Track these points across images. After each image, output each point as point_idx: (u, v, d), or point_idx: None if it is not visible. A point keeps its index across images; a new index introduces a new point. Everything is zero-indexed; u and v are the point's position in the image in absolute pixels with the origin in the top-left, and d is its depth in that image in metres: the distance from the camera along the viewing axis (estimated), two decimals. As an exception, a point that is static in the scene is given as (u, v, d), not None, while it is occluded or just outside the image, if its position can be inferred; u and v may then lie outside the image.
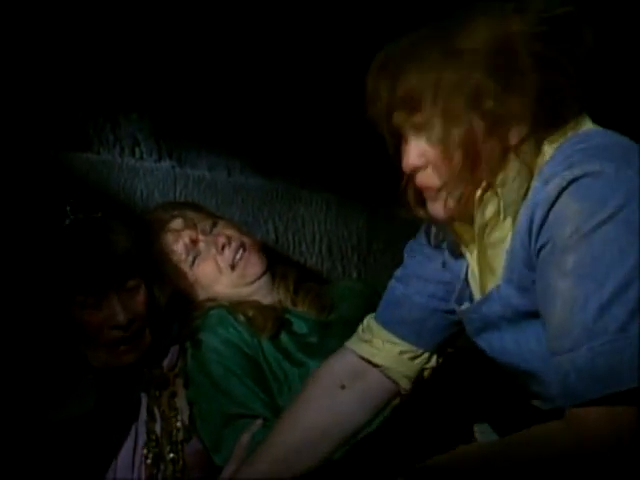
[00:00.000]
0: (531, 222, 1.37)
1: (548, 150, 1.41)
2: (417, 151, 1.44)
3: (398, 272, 1.71)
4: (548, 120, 1.41)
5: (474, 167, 1.41)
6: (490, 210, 1.44)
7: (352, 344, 1.73)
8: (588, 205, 1.31)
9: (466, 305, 1.56)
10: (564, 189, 1.33)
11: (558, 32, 1.40)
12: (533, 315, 1.42)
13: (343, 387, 1.71)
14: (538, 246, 1.36)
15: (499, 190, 1.41)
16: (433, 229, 1.62)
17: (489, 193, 1.42)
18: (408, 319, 1.67)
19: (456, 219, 1.49)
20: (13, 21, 2.16)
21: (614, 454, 1.27)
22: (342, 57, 2.42)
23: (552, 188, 1.34)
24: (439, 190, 1.45)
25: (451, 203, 1.44)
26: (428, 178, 1.45)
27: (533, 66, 1.38)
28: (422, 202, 1.51)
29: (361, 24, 2.41)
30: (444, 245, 1.62)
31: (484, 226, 1.46)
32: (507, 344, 1.49)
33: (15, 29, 2.16)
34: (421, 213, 1.53)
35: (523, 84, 1.38)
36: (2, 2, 2.12)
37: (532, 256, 1.38)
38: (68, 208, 1.91)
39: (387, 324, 1.70)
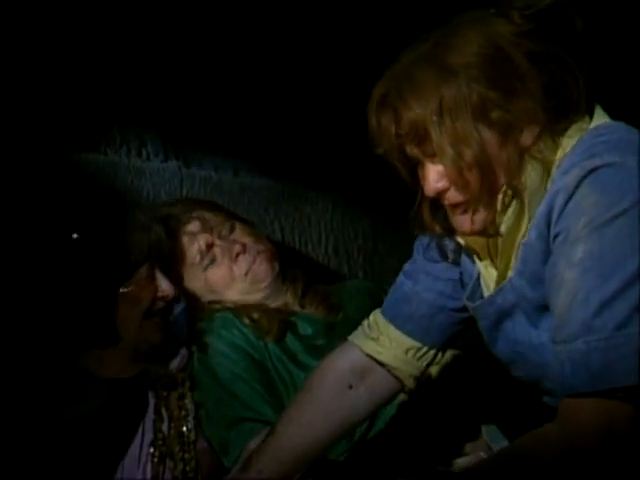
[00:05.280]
0: (550, 211, 1.36)
1: (567, 143, 1.41)
2: (436, 176, 1.44)
3: (407, 267, 1.71)
4: (558, 113, 1.40)
5: (494, 178, 1.41)
6: (514, 212, 1.43)
7: (358, 340, 1.74)
8: (605, 197, 1.31)
9: (480, 300, 1.55)
10: (584, 178, 1.33)
11: (546, 26, 1.40)
12: (545, 308, 1.41)
13: (350, 387, 1.71)
14: (554, 234, 1.36)
15: (524, 192, 1.41)
16: (445, 241, 1.62)
17: (512, 196, 1.42)
18: (416, 315, 1.68)
19: (481, 230, 1.48)
20: (21, 23, 2.16)
21: (603, 449, 1.26)
22: (349, 58, 2.42)
23: (572, 177, 1.34)
24: (466, 205, 1.45)
25: (479, 216, 1.45)
26: (453, 197, 1.45)
27: (530, 65, 1.38)
28: (437, 218, 1.52)
29: (367, 27, 2.41)
30: (454, 255, 1.62)
31: (510, 227, 1.45)
32: (519, 335, 1.49)
33: (23, 31, 2.16)
34: (437, 229, 1.54)
35: (524, 85, 1.38)
36: (11, 4, 2.13)
37: (549, 244, 1.38)
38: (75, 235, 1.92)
39: (394, 320, 1.70)
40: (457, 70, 1.38)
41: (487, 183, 1.41)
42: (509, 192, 1.42)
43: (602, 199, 1.30)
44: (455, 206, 1.46)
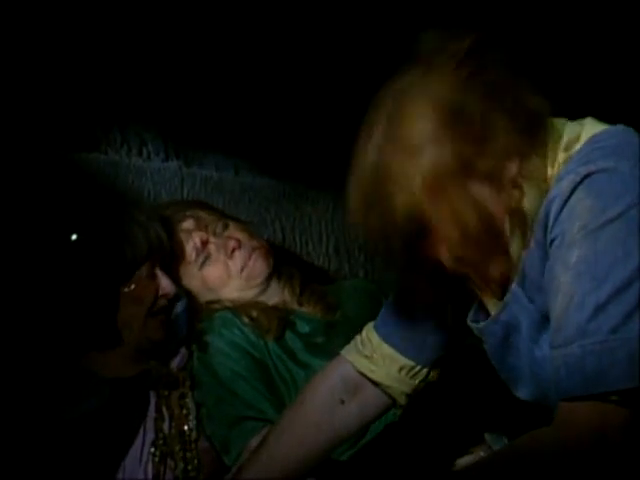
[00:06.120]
0: (546, 217, 1.36)
1: (563, 156, 1.40)
2: (450, 260, 1.41)
3: (402, 283, 1.70)
4: (534, 133, 1.38)
5: (498, 226, 1.39)
6: (519, 232, 1.41)
7: (351, 356, 1.73)
8: (600, 201, 1.31)
9: (485, 321, 1.54)
10: (578, 184, 1.32)
11: (480, 62, 1.37)
12: (545, 319, 1.41)
13: (342, 402, 1.71)
14: (550, 239, 1.36)
15: (525, 211, 1.39)
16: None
17: (515, 219, 1.40)
18: (410, 334, 1.67)
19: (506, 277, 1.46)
20: (21, 23, 2.16)
21: (597, 453, 1.25)
22: (349, 58, 2.42)
23: (567, 183, 1.33)
24: (482, 265, 1.43)
25: (497, 268, 1.43)
26: (469, 267, 1.43)
27: (486, 107, 1.35)
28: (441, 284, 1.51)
29: (366, 28, 2.40)
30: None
31: (520, 248, 1.42)
32: (522, 349, 1.48)
33: (23, 31, 2.16)
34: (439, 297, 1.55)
35: (490, 126, 1.35)
36: (11, 4, 2.13)
37: (547, 250, 1.37)
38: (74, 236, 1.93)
39: (388, 338, 1.69)
40: (422, 147, 1.33)
41: (492, 234, 1.38)
42: (514, 220, 1.40)
43: (597, 203, 1.30)
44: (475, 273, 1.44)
